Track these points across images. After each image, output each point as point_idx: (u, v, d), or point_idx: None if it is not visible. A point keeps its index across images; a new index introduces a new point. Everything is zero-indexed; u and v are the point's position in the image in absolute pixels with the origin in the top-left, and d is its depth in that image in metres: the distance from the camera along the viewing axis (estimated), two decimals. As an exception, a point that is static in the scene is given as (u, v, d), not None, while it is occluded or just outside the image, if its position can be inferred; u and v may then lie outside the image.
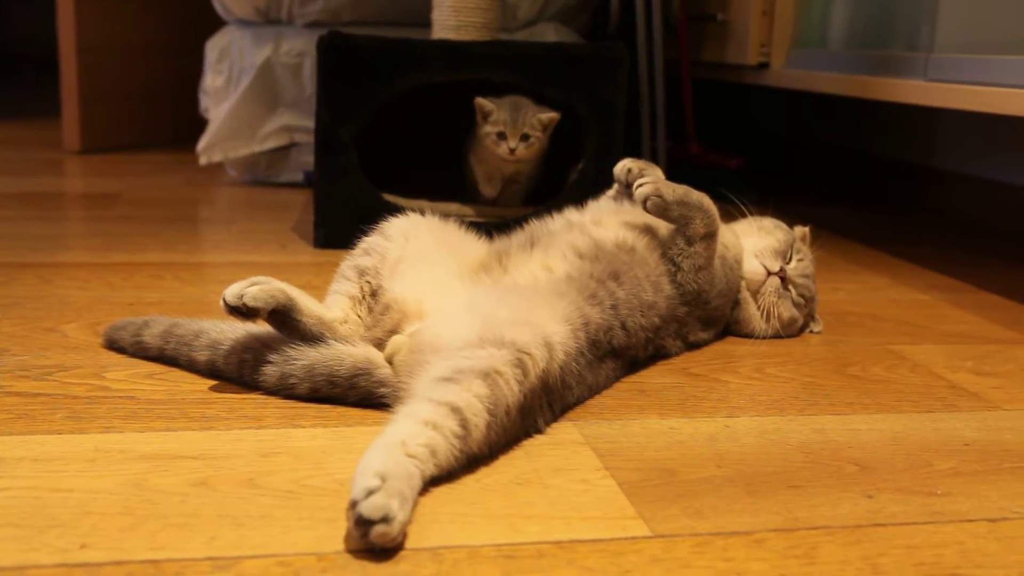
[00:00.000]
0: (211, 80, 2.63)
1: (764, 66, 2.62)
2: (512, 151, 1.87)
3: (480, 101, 1.87)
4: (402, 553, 0.81)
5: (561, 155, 2.03)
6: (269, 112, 2.56)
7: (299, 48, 2.52)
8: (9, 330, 1.34)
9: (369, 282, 1.23)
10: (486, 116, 1.89)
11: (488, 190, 2.01)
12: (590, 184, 1.94)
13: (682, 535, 0.86)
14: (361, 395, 1.10)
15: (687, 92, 2.76)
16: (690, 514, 0.90)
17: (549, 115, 1.88)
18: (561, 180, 2.03)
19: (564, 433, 1.07)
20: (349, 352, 1.10)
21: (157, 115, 3.30)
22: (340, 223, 1.86)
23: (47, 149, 3.12)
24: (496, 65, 1.90)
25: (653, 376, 1.27)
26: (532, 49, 1.94)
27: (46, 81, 5.11)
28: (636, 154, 2.60)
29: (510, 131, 1.87)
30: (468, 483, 0.94)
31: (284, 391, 1.12)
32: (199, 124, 2.72)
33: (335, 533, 0.84)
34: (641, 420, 1.12)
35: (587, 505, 0.91)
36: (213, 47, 2.62)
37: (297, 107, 2.55)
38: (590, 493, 0.94)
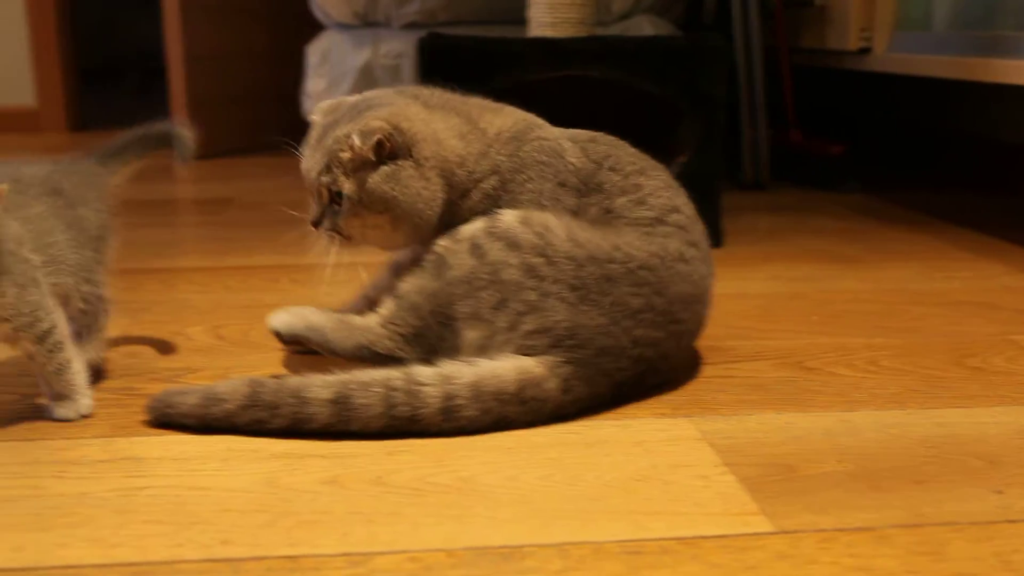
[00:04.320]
0: (313, 83, 2.69)
1: (866, 51, 2.57)
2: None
3: None
4: (527, 549, 0.83)
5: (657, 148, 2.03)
6: (370, 114, 2.60)
7: (397, 49, 2.56)
8: (139, 333, 1.39)
9: None
10: None
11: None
12: (693, 178, 1.94)
13: (806, 531, 0.86)
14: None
15: (787, 80, 2.72)
16: (813, 510, 0.90)
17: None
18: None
19: (680, 429, 1.08)
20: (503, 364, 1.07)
21: (262, 119, 3.38)
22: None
23: (157, 156, 3.22)
24: (594, 61, 1.90)
25: (767, 371, 1.26)
26: (629, 43, 1.94)
27: (151, 89, 5.29)
28: (736, 145, 2.58)
29: None
30: (589, 480, 0.96)
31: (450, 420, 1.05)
32: (303, 127, 2.78)
33: (463, 529, 0.86)
34: (757, 415, 1.12)
35: (708, 501, 0.92)
36: (314, 51, 2.68)
37: (397, 108, 2.59)
38: (710, 489, 0.94)
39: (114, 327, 1.38)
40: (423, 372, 1.05)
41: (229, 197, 2.53)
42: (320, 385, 1.03)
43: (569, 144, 1.20)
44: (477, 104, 1.22)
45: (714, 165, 1.95)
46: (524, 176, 1.16)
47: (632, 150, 1.23)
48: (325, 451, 1.01)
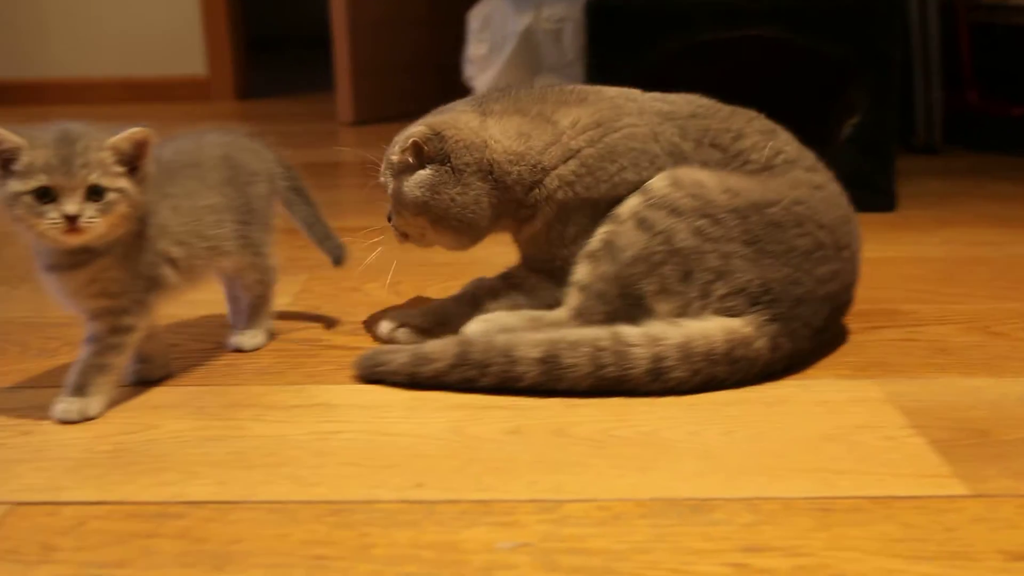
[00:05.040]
0: (474, 48, 2.71)
1: (1051, 6, 2.44)
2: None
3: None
4: (715, 502, 0.83)
5: (821, 107, 1.98)
6: (531, 77, 2.61)
7: (559, 13, 2.56)
8: (319, 289, 1.45)
9: None
10: None
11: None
12: (865, 141, 1.88)
13: (1005, 495, 0.84)
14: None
15: (963, 37, 2.61)
16: (1010, 475, 0.87)
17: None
18: (824, 134, 1.97)
19: (864, 390, 1.06)
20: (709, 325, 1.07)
21: (423, 85, 3.43)
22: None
23: (322, 121, 3.32)
24: (764, 20, 1.86)
25: (952, 335, 1.22)
26: (801, 1, 1.89)
27: (311, 58, 5.44)
28: (908, 106, 2.49)
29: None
30: (772, 437, 0.95)
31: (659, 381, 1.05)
32: (463, 92, 2.82)
33: (648, 481, 0.87)
34: (945, 379, 1.09)
35: (897, 462, 0.90)
36: (476, 16, 2.70)
37: (558, 72, 2.60)
38: (899, 450, 0.92)
39: (294, 283, 1.44)
40: (630, 332, 1.05)
41: (393, 161, 2.59)
42: (529, 344, 1.04)
43: (667, 126, 1.18)
44: (555, 99, 1.21)
45: (888, 127, 1.89)
46: (617, 165, 1.15)
47: (726, 113, 1.20)
48: (506, 403, 1.03)
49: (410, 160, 1.17)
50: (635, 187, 1.14)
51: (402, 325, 1.20)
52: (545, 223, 1.18)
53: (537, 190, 1.17)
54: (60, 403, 1.02)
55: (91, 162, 0.95)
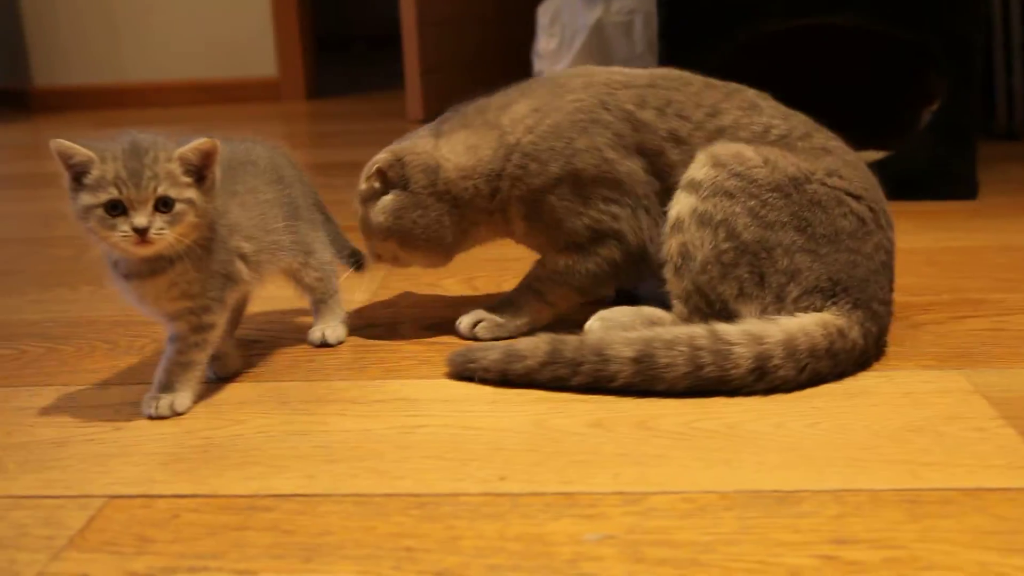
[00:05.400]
0: (544, 43, 2.72)
1: None
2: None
3: None
4: (802, 494, 0.82)
5: (906, 97, 1.94)
6: (601, 71, 2.61)
7: (629, 6, 2.55)
8: (397, 285, 1.46)
9: None
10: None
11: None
12: (946, 128, 1.85)
13: (1102, 487, 0.82)
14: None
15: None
16: (1107, 466, 0.85)
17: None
18: (901, 123, 1.94)
19: (950, 381, 1.04)
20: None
21: (490, 81, 3.45)
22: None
23: (391, 119, 3.35)
24: (840, 7, 1.83)
25: (1040, 323, 1.20)
26: (878, -13, 1.86)
27: (377, 57, 5.49)
28: (988, 90, 2.44)
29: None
30: (857, 429, 0.94)
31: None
32: (532, 88, 2.82)
33: (733, 473, 0.86)
34: (1035, 369, 1.07)
35: (987, 453, 0.88)
36: (545, 11, 2.71)
37: (628, 64, 2.58)
38: (989, 442, 0.91)
39: (372, 280, 1.46)
40: (728, 331, 1.03)
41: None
42: (622, 343, 1.03)
43: (620, 94, 1.18)
44: (498, 104, 1.23)
45: (969, 114, 1.85)
46: (564, 140, 1.16)
47: (697, 87, 1.19)
48: (587, 396, 1.03)
49: (376, 186, 1.20)
50: (600, 152, 1.15)
51: (481, 320, 1.21)
52: (523, 220, 1.19)
53: (499, 195, 1.19)
54: (151, 400, 1.04)
55: (159, 174, 0.97)
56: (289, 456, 0.94)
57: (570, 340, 1.05)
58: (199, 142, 0.99)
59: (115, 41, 4.17)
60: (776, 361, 1.01)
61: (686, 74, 1.21)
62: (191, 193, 0.99)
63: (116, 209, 0.97)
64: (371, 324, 1.30)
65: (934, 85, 1.86)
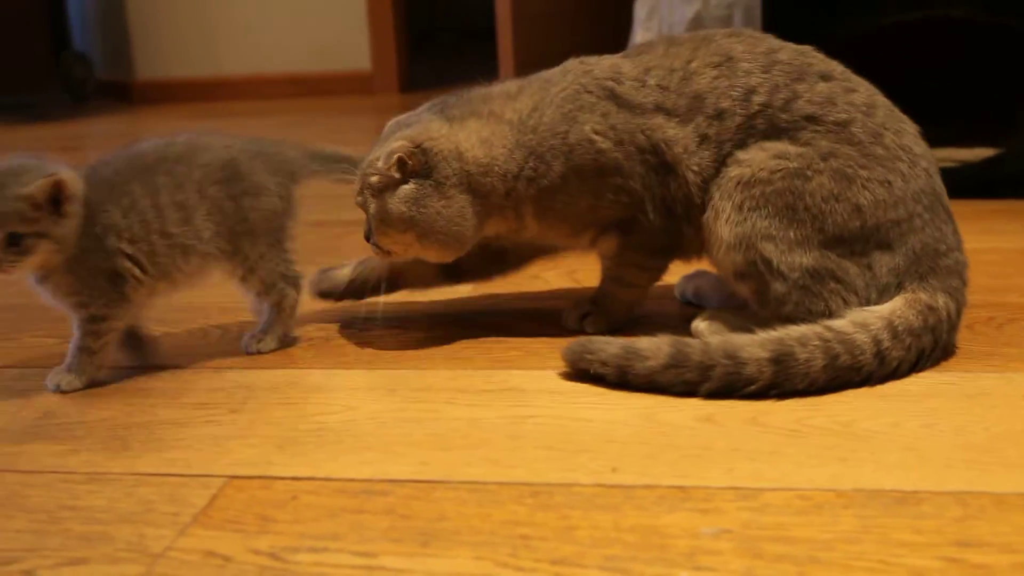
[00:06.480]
0: (641, 36, 2.70)
1: None
2: None
3: None
4: (922, 495, 0.81)
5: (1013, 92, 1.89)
6: (698, 66, 2.58)
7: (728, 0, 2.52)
8: (498, 278, 1.47)
9: None
10: None
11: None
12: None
13: None
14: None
15: None
16: None
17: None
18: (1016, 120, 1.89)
19: (1072, 384, 1.01)
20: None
21: (584, 76, 3.45)
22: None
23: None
24: None
25: None
26: (994, -21, 1.81)
27: (469, 49, 5.51)
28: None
29: None
30: (976, 431, 0.92)
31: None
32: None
33: (849, 472, 0.85)
34: None
35: (1116, 459, 0.86)
36: (643, 4, 2.69)
37: (726, 59, 2.56)
38: (1116, 447, 0.88)
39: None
40: (840, 324, 1.03)
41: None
42: (754, 344, 1.01)
43: (597, 69, 1.18)
44: (501, 95, 1.20)
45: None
46: (560, 136, 1.15)
47: (661, 51, 1.17)
48: (695, 390, 1.03)
49: (395, 176, 1.14)
50: (587, 137, 1.14)
51: (587, 314, 1.21)
52: (537, 219, 1.18)
53: (513, 194, 1.17)
54: (52, 375, 1.14)
55: (6, 212, 1.04)
56: (402, 442, 0.95)
57: (693, 342, 1.03)
58: (44, 181, 1.05)
59: (212, 36, 4.27)
60: (886, 344, 1.01)
61: (662, 37, 1.21)
62: (41, 226, 1.05)
63: None
64: (476, 316, 1.31)
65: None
